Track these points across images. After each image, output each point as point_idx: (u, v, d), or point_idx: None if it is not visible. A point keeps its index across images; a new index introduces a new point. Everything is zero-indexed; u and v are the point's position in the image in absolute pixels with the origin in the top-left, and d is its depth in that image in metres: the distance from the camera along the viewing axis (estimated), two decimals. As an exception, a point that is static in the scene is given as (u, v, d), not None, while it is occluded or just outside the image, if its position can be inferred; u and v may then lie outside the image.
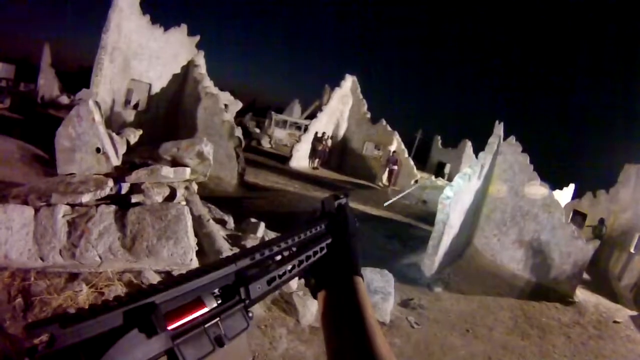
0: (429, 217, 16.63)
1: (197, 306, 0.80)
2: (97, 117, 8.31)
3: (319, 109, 30.59)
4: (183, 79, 19.93)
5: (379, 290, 9.36)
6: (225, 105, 20.43)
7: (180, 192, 8.26)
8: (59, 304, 5.42)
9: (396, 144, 29.73)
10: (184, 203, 7.81)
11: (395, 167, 28.39)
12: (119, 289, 5.92)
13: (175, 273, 6.58)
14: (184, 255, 6.53)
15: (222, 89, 21.85)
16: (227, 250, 7.62)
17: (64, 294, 5.57)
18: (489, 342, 10.28)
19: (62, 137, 8.13)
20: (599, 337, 13.11)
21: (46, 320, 0.59)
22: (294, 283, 7.86)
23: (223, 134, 17.52)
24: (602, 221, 23.95)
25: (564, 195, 32.78)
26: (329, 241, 1.22)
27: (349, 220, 1.32)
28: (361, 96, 30.31)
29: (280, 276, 1.02)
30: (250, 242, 8.90)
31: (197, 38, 20.21)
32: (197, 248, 6.96)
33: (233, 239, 8.83)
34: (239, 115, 30.01)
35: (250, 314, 0.90)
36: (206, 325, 0.79)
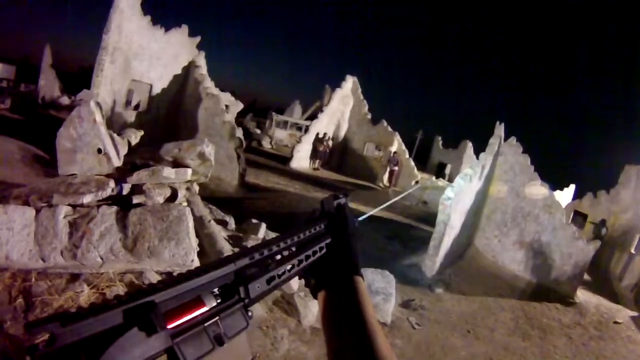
0: (430, 218, 16.63)
1: (197, 305, 0.80)
2: (98, 118, 8.32)
3: (320, 109, 30.61)
4: (184, 79, 19.95)
5: (380, 291, 9.36)
6: (226, 106, 20.46)
7: (182, 193, 8.26)
8: (60, 305, 5.42)
9: (397, 144, 29.76)
10: (185, 204, 7.81)
11: (396, 168, 28.41)
12: (120, 290, 5.92)
13: (176, 274, 6.57)
14: (185, 256, 6.53)
15: (222, 90, 21.87)
16: (228, 251, 7.62)
17: (65, 294, 5.57)
18: (490, 343, 10.28)
19: (63, 138, 8.15)
20: (599, 338, 13.11)
21: (46, 319, 0.59)
22: (295, 284, 7.85)
23: (224, 135, 17.53)
24: (602, 222, 23.92)
25: (565, 195, 32.77)
26: (328, 241, 1.23)
27: (348, 220, 1.32)
28: (362, 97, 30.34)
29: (279, 275, 1.02)
30: (251, 243, 8.88)
31: (198, 39, 20.23)
32: (198, 249, 6.96)
33: (234, 240, 8.83)
34: (240, 116, 30.01)
35: (249, 313, 0.90)
36: (206, 324, 0.79)
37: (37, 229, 5.87)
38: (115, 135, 8.87)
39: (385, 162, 29.00)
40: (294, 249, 1.14)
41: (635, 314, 16.49)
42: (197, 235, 7.26)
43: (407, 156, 30.09)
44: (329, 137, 28.55)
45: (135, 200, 7.21)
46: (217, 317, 0.82)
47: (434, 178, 32.42)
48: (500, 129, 15.86)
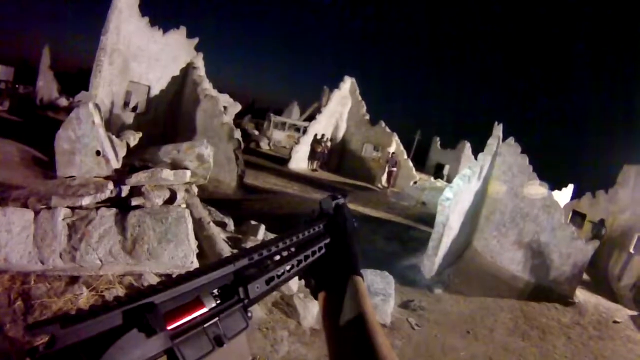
0: (428, 219, 16.63)
1: (196, 306, 0.80)
2: (97, 119, 8.33)
3: (318, 110, 30.65)
4: (182, 81, 19.95)
5: (379, 292, 9.37)
6: (224, 108, 20.45)
7: (181, 195, 8.26)
8: (59, 308, 5.42)
9: (395, 145, 29.80)
10: (184, 206, 7.82)
11: (394, 169, 28.48)
12: (120, 292, 5.92)
13: (175, 275, 6.57)
14: (184, 258, 6.54)
15: (220, 91, 21.87)
16: (227, 252, 7.62)
17: (64, 297, 5.57)
18: (489, 343, 10.31)
19: (62, 140, 8.16)
20: (599, 338, 13.13)
21: (46, 321, 0.60)
22: (295, 285, 7.87)
23: (222, 137, 17.53)
24: (601, 222, 23.95)
25: (563, 195, 32.82)
26: (327, 241, 1.23)
27: (347, 220, 1.32)
28: (360, 98, 30.38)
29: (279, 276, 1.03)
30: (250, 245, 8.87)
31: (196, 40, 20.23)
32: (197, 251, 6.97)
33: (233, 242, 8.83)
34: (238, 117, 30.03)
35: (249, 314, 0.90)
36: (205, 325, 0.79)
37: (36, 231, 5.87)
38: (113, 137, 8.87)
39: (383, 163, 29.04)
40: (293, 249, 1.14)
41: (634, 313, 16.52)
42: (196, 237, 7.26)
43: (406, 157, 30.16)
44: (327, 138, 28.57)
45: (134, 202, 7.21)
46: (216, 318, 0.82)
47: (432, 179, 32.46)
48: (498, 129, 15.87)
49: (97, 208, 6.52)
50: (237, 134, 18.50)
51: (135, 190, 7.59)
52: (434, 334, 9.76)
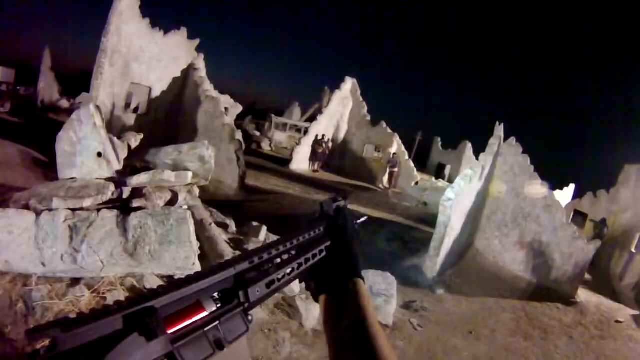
0: (430, 219, 16.62)
1: (197, 310, 0.80)
2: (98, 121, 8.31)
3: (319, 111, 30.67)
4: (183, 82, 19.96)
5: (381, 293, 9.36)
6: (226, 109, 20.46)
7: (182, 196, 8.27)
8: (60, 310, 5.42)
9: (396, 146, 29.78)
10: (185, 207, 7.81)
11: (396, 169, 28.47)
12: (121, 294, 5.92)
13: (177, 277, 6.57)
14: (186, 259, 6.54)
15: (222, 92, 21.90)
16: (229, 254, 7.62)
17: (66, 299, 5.57)
18: (491, 343, 10.30)
19: (63, 142, 8.14)
20: (601, 337, 13.12)
21: (48, 325, 0.60)
22: (297, 286, 7.85)
23: (223, 138, 17.53)
24: (603, 221, 23.96)
25: (565, 195, 32.81)
26: (328, 244, 1.23)
27: (348, 223, 1.32)
28: (361, 98, 30.39)
29: (279, 279, 1.04)
30: (252, 246, 8.88)
31: (197, 41, 20.23)
32: (199, 252, 6.96)
33: (235, 243, 8.82)
34: (239, 118, 30.03)
35: (249, 317, 0.90)
36: (206, 329, 0.80)
37: (38, 233, 5.87)
38: (115, 138, 8.85)
39: (384, 164, 29.03)
40: (293, 252, 1.14)
41: (636, 312, 16.51)
42: (198, 239, 7.26)
43: (407, 157, 30.13)
44: (328, 139, 28.56)
45: (136, 203, 7.21)
46: (217, 322, 0.83)
47: (433, 179, 32.45)
48: (499, 130, 15.87)
49: (99, 210, 6.52)
50: (239, 135, 18.49)
51: (137, 192, 7.60)
52: (436, 334, 9.75)
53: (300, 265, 1.12)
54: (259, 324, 7.09)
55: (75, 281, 5.94)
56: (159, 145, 10.34)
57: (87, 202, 6.56)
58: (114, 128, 15.73)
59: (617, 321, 14.88)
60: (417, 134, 48.01)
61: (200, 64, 20.26)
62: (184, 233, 6.59)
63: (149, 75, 18.33)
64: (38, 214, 6.02)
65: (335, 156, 29.90)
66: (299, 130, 37.22)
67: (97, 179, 7.73)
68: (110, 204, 7.03)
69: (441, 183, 29.27)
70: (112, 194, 7.14)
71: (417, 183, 28.75)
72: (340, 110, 29.90)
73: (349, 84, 29.73)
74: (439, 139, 48.53)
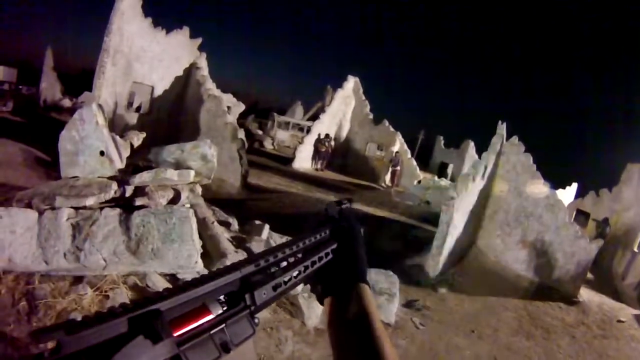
0: (432, 218, 16.60)
1: (203, 313, 0.80)
2: (101, 120, 8.32)
3: (322, 110, 30.63)
4: (185, 81, 19.95)
5: (384, 291, 9.38)
6: (228, 108, 20.45)
7: (185, 195, 8.28)
8: (63, 308, 5.42)
9: (399, 144, 29.74)
10: (188, 206, 7.83)
11: (398, 168, 28.45)
12: (124, 292, 5.92)
13: (180, 276, 6.60)
14: (189, 258, 6.55)
15: (224, 91, 21.89)
16: (231, 252, 7.63)
17: (69, 297, 5.57)
18: (493, 342, 10.32)
19: (66, 141, 8.16)
20: (603, 337, 13.13)
21: (52, 327, 0.60)
22: (300, 285, 7.85)
23: (226, 136, 17.51)
24: (605, 220, 23.93)
25: (567, 194, 32.77)
26: (334, 247, 1.23)
27: (353, 226, 1.32)
28: (363, 97, 30.35)
29: (285, 282, 1.04)
30: (254, 244, 8.91)
31: (199, 40, 20.23)
32: (202, 251, 6.97)
33: (237, 241, 8.84)
34: (242, 117, 30.00)
35: (256, 320, 0.91)
36: (212, 332, 0.79)
37: (40, 231, 5.88)
38: (117, 137, 8.86)
39: (387, 162, 29.00)
40: (299, 255, 1.15)
41: (638, 312, 16.53)
42: (200, 237, 7.27)
43: (409, 156, 30.10)
44: (331, 138, 28.52)
45: (138, 202, 7.23)
46: (223, 325, 0.83)
47: (436, 178, 32.40)
48: (502, 128, 15.86)
49: (101, 208, 6.53)
50: (241, 133, 18.49)
51: (139, 191, 7.61)
52: (438, 333, 9.76)
53: (306, 268, 1.12)
54: (262, 323, 7.09)
55: (77, 279, 5.95)
56: (162, 144, 10.34)
57: (89, 201, 6.57)
58: (117, 127, 15.72)
59: (619, 321, 14.88)
60: (420, 133, 47.89)
61: (203, 63, 20.26)
62: (187, 231, 6.60)
63: (151, 75, 18.33)
64: (41, 212, 6.04)
65: (337, 155, 29.83)
66: (301, 129, 37.17)
67: (99, 177, 7.74)
68: (112, 203, 7.04)
69: (444, 182, 29.18)
70: (115, 192, 7.16)
71: (419, 182, 28.66)
72: (343, 109, 29.85)
73: (351, 83, 29.69)
74: (442, 138, 48.44)
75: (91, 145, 8.14)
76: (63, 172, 8.03)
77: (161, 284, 6.20)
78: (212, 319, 0.81)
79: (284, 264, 1.08)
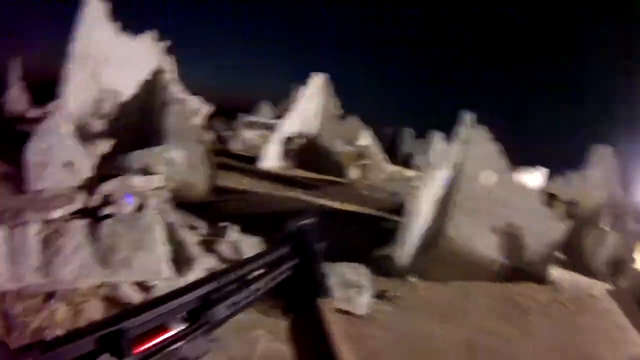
0: (401, 209, 16.73)
1: (164, 330, 0.90)
2: (67, 129, 8.35)
3: (289, 108, 30.58)
4: (152, 85, 19.80)
5: (353, 284, 9.44)
6: (195, 110, 20.42)
7: (152, 201, 8.30)
8: (37, 325, 5.45)
9: (367, 138, 29.90)
10: (155, 212, 7.85)
11: (367, 162, 28.56)
12: (95, 305, 5.95)
13: (151, 283, 6.62)
14: (157, 264, 6.59)
15: (194, 93, 21.86)
16: (199, 257, 7.68)
17: (42, 314, 5.60)
18: (467, 327, 10.43)
19: (32, 152, 8.17)
20: (577, 313, 13.40)
21: (27, 347, 0.69)
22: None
23: (193, 139, 17.44)
24: (574, 201, 24.40)
25: (535, 178, 33.09)
26: (295, 262, 1.30)
27: (314, 242, 1.39)
28: (331, 93, 30.37)
29: (245, 298, 1.11)
30: (223, 247, 8.97)
31: (166, 43, 20.17)
32: (171, 256, 7.02)
33: (206, 245, 8.89)
34: (209, 118, 29.89)
35: (214, 337, 0.99)
36: (171, 348, 0.89)
37: (10, 248, 5.89)
38: (84, 146, 8.88)
39: (355, 157, 29.10)
40: (260, 271, 1.21)
41: (610, 287, 16.93)
42: (169, 242, 7.31)
43: (377, 149, 30.29)
44: (299, 135, 28.49)
45: (106, 211, 7.26)
46: (182, 342, 0.91)
47: (404, 169, 32.57)
48: (467, 117, 16.03)
49: (70, 220, 6.56)
50: (208, 135, 18.46)
51: (107, 199, 7.64)
52: (412, 322, 9.83)
53: (266, 284, 1.18)
54: (234, 323, 7.13)
55: (50, 295, 5.97)
56: (130, 150, 10.38)
57: (57, 213, 6.60)
58: (84, 135, 15.61)
59: (592, 296, 15.23)
60: (387, 126, 48.11)
61: (170, 66, 20.18)
62: (154, 238, 6.66)
63: (119, 80, 18.21)
64: (9, 228, 6.05)
65: (306, 152, 29.77)
66: (269, 128, 37.05)
67: (66, 188, 7.75)
68: (80, 214, 7.06)
69: (411, 173, 29.40)
70: (83, 202, 7.18)
71: (387, 174, 28.92)
72: (311, 106, 29.78)
73: (318, 80, 29.67)
74: (409, 130, 48.72)
75: (58, 156, 8.16)
76: (30, 185, 8.05)
77: (132, 294, 6.24)
78: (172, 336, 0.90)
79: (244, 280, 1.14)
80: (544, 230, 15.63)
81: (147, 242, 6.53)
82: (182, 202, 12.69)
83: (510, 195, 15.91)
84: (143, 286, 6.58)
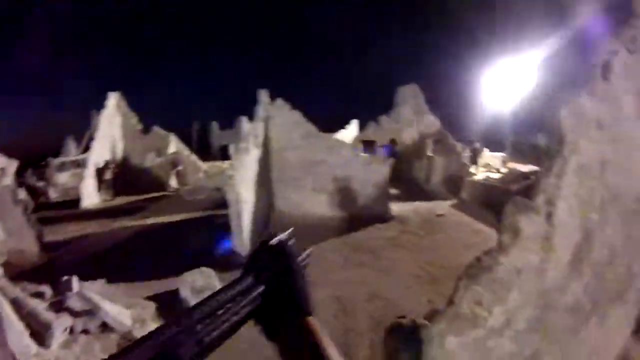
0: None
1: None
2: None
3: (92, 138, 29.83)
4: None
5: (204, 288, 9.54)
6: (2, 170, 19.55)
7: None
8: None
9: (175, 144, 30.01)
10: (-1, 294, 7.63)
11: (181, 167, 28.92)
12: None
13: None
14: (20, 343, 6.45)
15: None
16: (54, 320, 7.56)
17: None
18: (328, 285, 10.83)
19: None
20: (429, 234, 14.51)
21: None
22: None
23: (7, 203, 16.75)
24: (392, 141, 25.75)
25: (350, 131, 34.14)
26: (262, 290, 1.24)
27: (292, 259, 1.36)
28: (128, 110, 30.00)
29: (210, 336, 1.07)
30: (72, 301, 8.83)
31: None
32: (28, 330, 6.87)
33: (56, 306, 8.72)
34: (20, 174, 28.62)
35: None
36: None
37: None
38: None
39: (168, 166, 29.04)
40: (229, 304, 1.16)
41: (452, 202, 19.03)
42: (19, 318, 7.14)
43: (187, 152, 30.51)
44: (109, 162, 27.88)
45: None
46: None
47: (218, 163, 32.81)
48: (263, 95, 16.51)
49: None
50: (22, 193, 17.75)
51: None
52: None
53: (235, 314, 1.14)
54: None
55: None
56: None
57: None
58: None
59: (438, 215, 16.39)
60: (193, 125, 48.21)
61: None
62: (10, 319, 6.50)
63: None
64: None
65: (121, 177, 29.17)
66: (80, 165, 36.00)
67: None
68: None
69: (226, 164, 29.69)
70: None
71: (205, 172, 29.13)
72: (112, 129, 29.20)
73: (112, 100, 29.11)
74: (215, 123, 49.11)
75: None
76: None
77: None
78: None
79: (213, 315, 1.11)
80: (369, 175, 16.39)
81: (3, 323, 6.36)
82: (19, 272, 12.30)
83: (325, 154, 16.51)
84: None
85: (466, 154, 26.54)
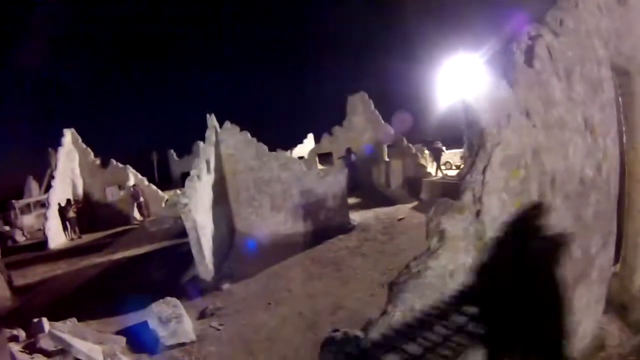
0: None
1: None
2: None
3: (52, 176, 29.83)
4: None
5: (171, 317, 9.66)
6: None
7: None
8: None
9: (133, 177, 30.29)
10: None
11: (141, 199, 29.33)
12: None
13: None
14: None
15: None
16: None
17: None
18: (292, 300, 11.10)
19: None
20: (392, 239, 14.75)
21: None
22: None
23: (-26, 253, 16.81)
24: (349, 150, 26.33)
25: (307, 145, 34.55)
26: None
27: None
28: (84, 145, 30.12)
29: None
30: (44, 342, 8.98)
31: None
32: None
33: (29, 347, 8.88)
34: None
35: None
36: None
37: None
38: None
39: (129, 199, 29.27)
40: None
41: (412, 204, 19.15)
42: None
43: (147, 183, 30.96)
44: (71, 200, 27.84)
45: None
46: None
47: (178, 191, 33.01)
48: (211, 120, 16.81)
49: None
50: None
51: None
52: (240, 323, 10.25)
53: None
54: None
55: None
56: None
57: None
58: None
59: (399, 219, 16.75)
60: (152, 155, 48.32)
61: None
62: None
63: None
64: None
65: (84, 214, 29.10)
66: (44, 205, 35.87)
67: None
68: None
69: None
70: None
71: (167, 202, 29.42)
72: (70, 166, 29.18)
73: (68, 136, 29.17)
74: (172, 151, 49.31)
75: None
76: None
77: None
78: None
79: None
80: (325, 187, 16.66)
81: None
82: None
83: (279, 171, 16.79)
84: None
85: (427, 154, 27.27)
